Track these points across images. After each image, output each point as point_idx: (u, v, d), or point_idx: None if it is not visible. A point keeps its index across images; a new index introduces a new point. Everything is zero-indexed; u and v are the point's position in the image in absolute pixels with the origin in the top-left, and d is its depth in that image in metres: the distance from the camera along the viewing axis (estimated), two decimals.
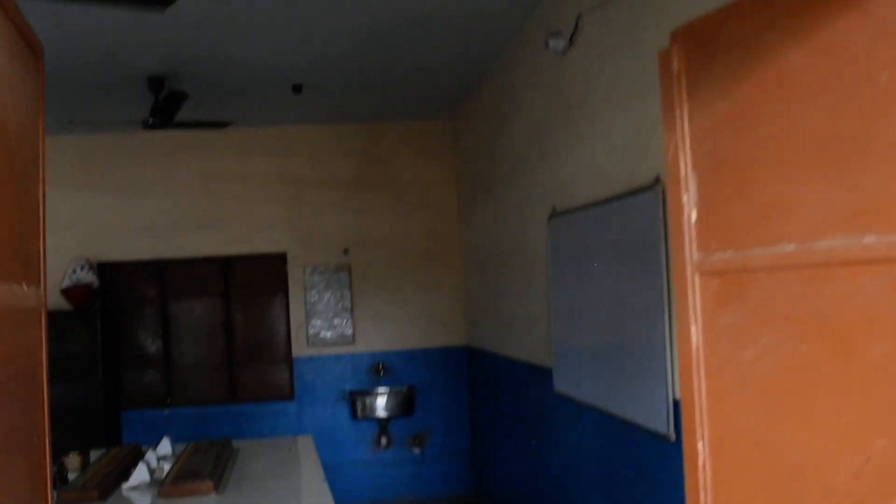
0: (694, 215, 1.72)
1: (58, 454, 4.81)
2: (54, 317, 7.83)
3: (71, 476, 4.35)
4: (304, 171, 8.56)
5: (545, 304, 5.73)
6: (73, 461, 4.65)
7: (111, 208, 8.35)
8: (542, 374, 5.85)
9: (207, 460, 4.37)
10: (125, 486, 4.13)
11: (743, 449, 1.68)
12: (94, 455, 4.92)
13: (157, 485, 3.94)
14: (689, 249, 1.74)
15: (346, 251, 8.56)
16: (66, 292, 7.92)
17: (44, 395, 1.64)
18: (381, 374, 8.53)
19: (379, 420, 8.46)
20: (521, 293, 6.44)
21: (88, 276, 8.04)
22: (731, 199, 1.66)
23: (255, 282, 8.64)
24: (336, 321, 8.52)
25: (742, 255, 1.60)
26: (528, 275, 6.19)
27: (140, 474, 4.17)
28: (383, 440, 8.46)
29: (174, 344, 8.55)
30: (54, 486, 4.16)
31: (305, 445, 5.16)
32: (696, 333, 1.73)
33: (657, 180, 3.88)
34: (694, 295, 1.73)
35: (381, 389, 8.46)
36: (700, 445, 1.79)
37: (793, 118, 1.55)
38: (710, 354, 1.72)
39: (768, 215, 1.59)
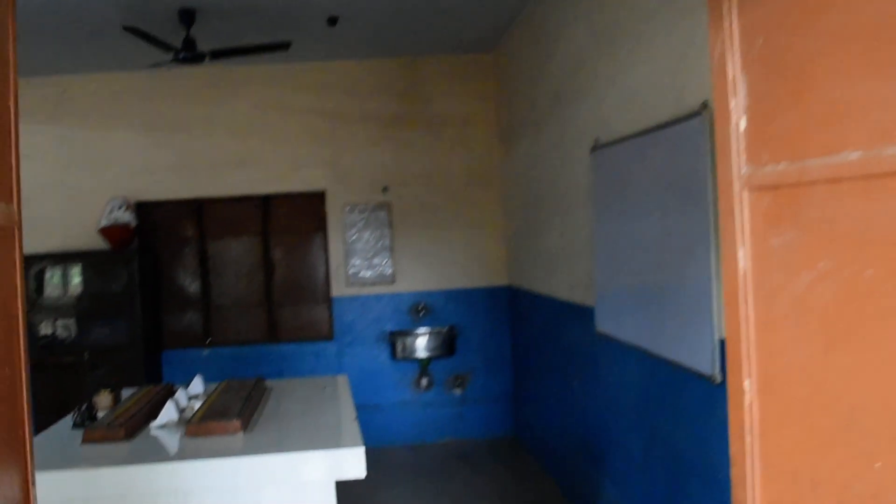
0: (743, 123, 1.51)
1: (91, 392, 4.75)
2: (93, 256, 7.84)
3: (101, 415, 4.27)
4: (342, 107, 8.37)
5: (587, 240, 5.53)
6: (103, 399, 4.58)
7: (149, 147, 8.25)
8: (583, 314, 5.67)
9: (237, 399, 4.27)
10: (153, 424, 4.05)
11: (795, 388, 1.47)
12: (127, 394, 4.84)
13: (186, 424, 3.84)
14: (737, 162, 1.53)
15: (385, 189, 8.40)
16: (105, 231, 7.87)
17: (18, 323, 1.50)
18: (422, 314, 8.40)
19: (419, 361, 8.35)
20: (562, 230, 6.24)
21: (126, 216, 7.97)
22: (785, 103, 1.45)
23: (294, 220, 8.53)
24: (376, 260, 8.39)
25: (797, 166, 1.38)
26: (570, 211, 5.98)
27: (168, 413, 4.08)
28: (424, 381, 8.37)
29: (213, 283, 8.49)
30: (82, 425, 4.10)
31: (340, 385, 5.04)
32: (743, 258, 1.52)
33: (704, 106, 3.64)
34: (742, 214, 1.53)
35: (422, 330, 8.34)
36: (746, 384, 1.59)
37: (858, 8, 1.32)
38: (759, 281, 1.52)
39: (828, 120, 1.37)
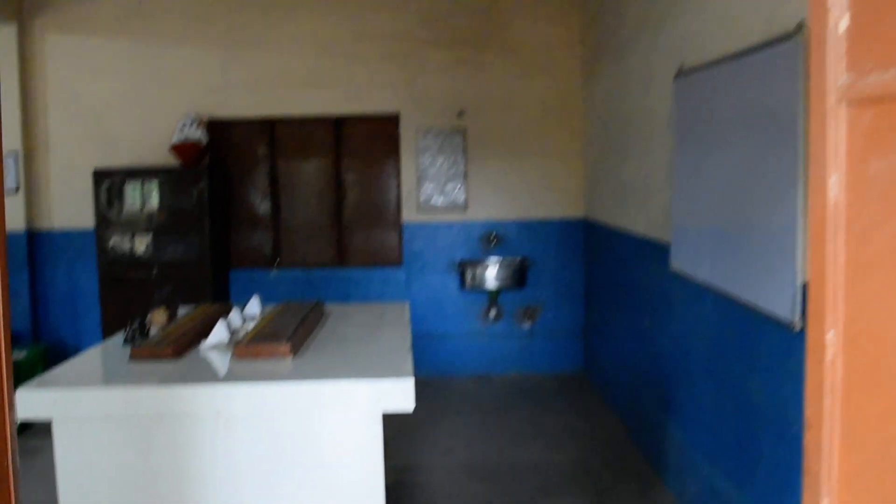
0: (844, 22, 1.24)
1: (149, 309, 4.68)
2: (163, 173, 7.79)
3: (154, 332, 4.19)
4: (419, 29, 8.10)
5: (666, 174, 5.23)
6: (158, 316, 4.50)
7: (223, 64, 8.12)
8: (659, 250, 5.39)
9: (291, 322, 4.14)
10: (203, 344, 3.94)
11: (888, 344, 1.22)
12: (184, 312, 4.76)
13: (235, 345, 3.73)
14: (834, 70, 1.26)
15: (461, 113, 8.15)
16: (176, 149, 7.81)
17: None
18: (494, 243, 8.20)
19: (489, 292, 8.17)
20: (642, 162, 5.94)
21: (197, 133, 7.88)
22: None
23: (367, 143, 8.36)
24: (448, 187, 8.18)
25: None
26: (651, 143, 5.67)
27: (219, 333, 3.97)
28: (493, 312, 8.19)
29: (283, 204, 8.40)
30: (132, 341, 4.02)
31: (400, 313, 4.89)
32: (835, 186, 1.26)
33: (799, 28, 3.30)
34: (836, 134, 1.27)
35: (493, 260, 8.14)
36: (830, 336, 1.34)
37: None
38: (852, 215, 1.26)
39: None
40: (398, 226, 8.35)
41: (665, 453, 5.39)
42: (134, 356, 3.68)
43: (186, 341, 3.90)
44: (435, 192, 8.19)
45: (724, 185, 4.21)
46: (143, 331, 4.15)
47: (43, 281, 8.25)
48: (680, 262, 4.91)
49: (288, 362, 3.59)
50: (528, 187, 8.24)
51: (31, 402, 3.21)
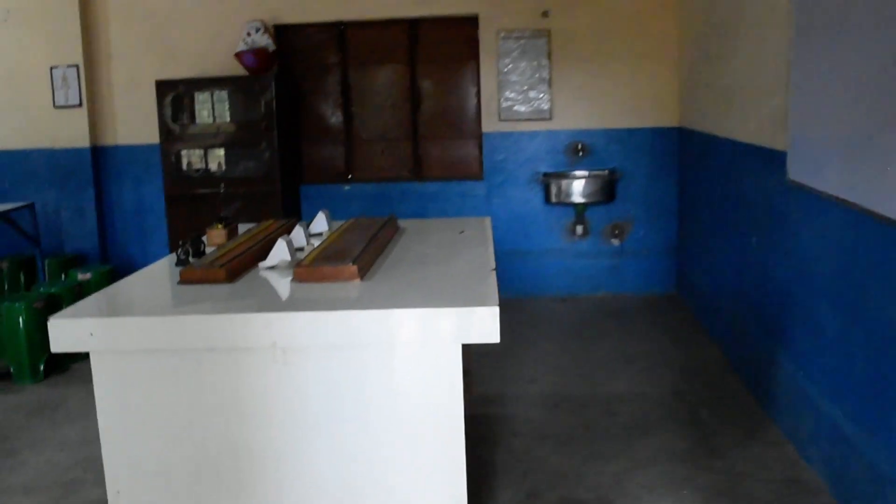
0: None
1: (205, 227, 4.26)
2: (229, 83, 7.35)
3: (209, 252, 3.77)
4: None
5: (781, 71, 4.58)
6: (215, 235, 4.09)
7: None
8: (771, 159, 4.78)
9: (360, 241, 3.69)
10: (262, 265, 3.52)
11: None
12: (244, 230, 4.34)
13: (295, 267, 3.29)
14: None
15: (545, 14, 7.53)
16: (241, 56, 7.37)
17: None
18: (580, 154, 7.65)
19: (575, 206, 7.65)
20: (749, 61, 5.28)
21: (264, 40, 7.44)
22: None
23: (444, 48, 7.84)
24: (531, 94, 7.61)
25: None
26: (761, 38, 5.01)
27: (279, 253, 3.53)
28: (579, 229, 7.67)
29: (356, 115, 7.97)
30: (185, 262, 3.62)
31: (481, 229, 4.40)
32: None
33: None
34: None
35: (580, 172, 7.60)
36: None
37: None
38: None
39: None
40: (478, 136, 7.81)
41: (774, 388, 4.85)
42: (183, 279, 3.27)
43: (242, 262, 3.47)
44: (517, 99, 7.62)
45: (860, 79, 3.58)
46: (198, 250, 3.74)
47: (109, 199, 7.97)
48: (800, 171, 4.30)
49: (355, 286, 3.14)
50: (617, 94, 7.61)
51: (65, 333, 2.82)
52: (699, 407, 5.10)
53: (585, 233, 7.70)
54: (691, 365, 5.85)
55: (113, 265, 7.44)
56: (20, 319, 5.75)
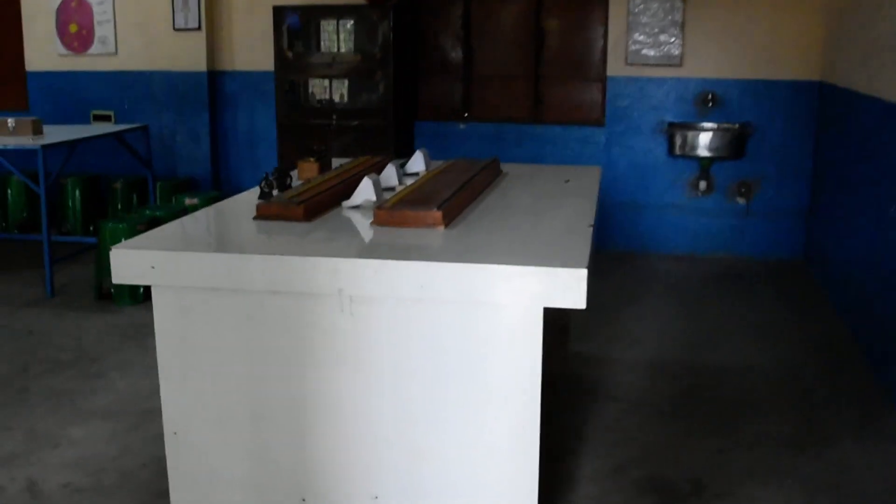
0: None
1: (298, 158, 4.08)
2: (346, 11, 7.14)
3: (295, 186, 3.58)
4: None
5: None
6: (306, 169, 3.91)
7: None
8: None
9: (452, 185, 3.44)
10: (346, 204, 3.32)
11: None
12: (339, 164, 4.15)
13: (377, 209, 3.06)
14: None
15: None
16: None
17: None
18: (710, 105, 7.18)
19: (700, 160, 7.19)
20: None
21: None
22: None
23: None
24: (662, 38, 7.15)
25: None
26: None
27: (364, 192, 3.31)
28: (703, 185, 7.23)
29: (476, 51, 7.67)
30: (268, 195, 3.45)
31: (589, 179, 4.09)
32: None
33: None
34: None
35: (708, 124, 7.13)
36: None
37: None
38: None
39: None
40: (602, 80, 7.41)
41: None
42: (259, 214, 3.10)
43: (325, 200, 3.28)
44: (646, 42, 7.16)
45: None
46: (283, 183, 3.56)
47: (223, 125, 7.92)
48: None
49: (438, 234, 2.91)
50: (755, 41, 7.06)
51: (126, 264, 2.69)
52: (815, 387, 4.69)
53: (709, 189, 7.25)
54: (812, 340, 5.42)
55: (222, 191, 7.42)
56: (122, 241, 5.73)
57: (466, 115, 7.68)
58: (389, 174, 3.72)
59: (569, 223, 3.13)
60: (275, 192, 3.48)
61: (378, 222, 3.00)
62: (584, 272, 2.44)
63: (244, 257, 2.63)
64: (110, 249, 2.69)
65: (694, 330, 5.58)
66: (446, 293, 2.52)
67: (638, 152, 7.34)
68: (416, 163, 4.12)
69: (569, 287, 2.45)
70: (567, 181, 4.02)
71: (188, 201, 6.72)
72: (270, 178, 3.51)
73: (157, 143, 7.74)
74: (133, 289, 5.80)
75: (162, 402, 2.80)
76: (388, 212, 3.01)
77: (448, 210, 3.06)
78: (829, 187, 6.55)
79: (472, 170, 3.85)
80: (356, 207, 3.30)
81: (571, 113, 7.54)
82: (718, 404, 4.45)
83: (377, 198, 3.32)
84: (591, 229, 2.99)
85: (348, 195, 3.37)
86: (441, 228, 2.95)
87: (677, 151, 7.14)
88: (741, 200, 7.26)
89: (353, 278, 2.55)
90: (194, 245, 2.81)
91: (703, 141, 7.08)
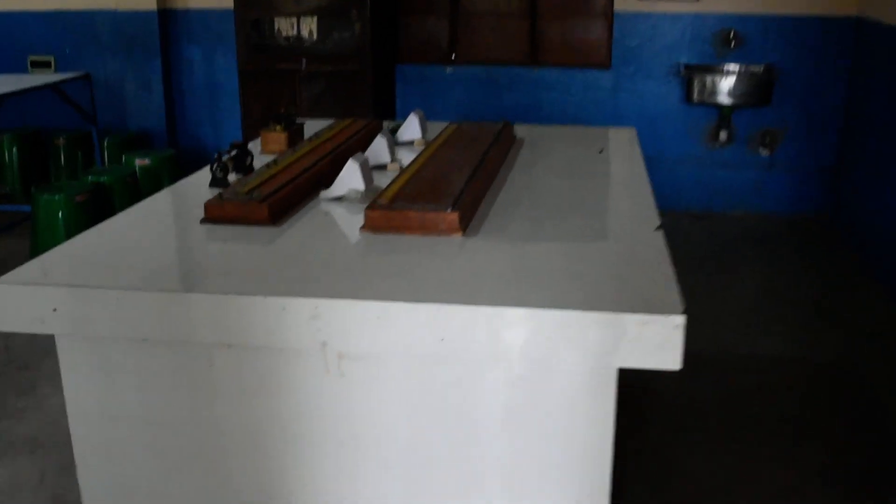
0: None
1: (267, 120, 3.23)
2: None
3: (258, 168, 2.74)
4: None
5: None
6: (272, 139, 3.08)
7: None
8: None
9: (464, 166, 2.62)
10: (324, 194, 2.50)
11: None
12: (314, 130, 3.30)
13: (366, 207, 2.25)
14: None
15: None
16: None
17: None
18: (732, 45, 6.36)
19: (720, 107, 6.41)
20: None
21: None
22: None
23: None
24: None
25: None
26: None
27: (350, 178, 2.49)
28: (722, 134, 6.45)
29: None
30: (222, 182, 2.63)
31: (626, 146, 3.31)
32: None
33: None
34: None
35: (730, 67, 6.36)
36: None
37: None
38: None
39: None
40: (608, 17, 6.53)
41: None
42: (208, 216, 2.28)
43: (296, 191, 2.46)
44: None
45: None
46: (242, 164, 2.73)
47: (178, 72, 6.99)
48: None
49: (454, 248, 2.11)
50: None
51: (16, 306, 1.87)
52: (863, 374, 3.97)
53: (729, 139, 6.46)
54: (842, 299, 4.80)
55: (180, 148, 6.56)
56: (59, 216, 4.88)
57: (454, 57, 6.81)
58: (379, 148, 2.89)
59: (626, 220, 2.37)
60: (231, 177, 2.66)
61: (370, 227, 2.19)
62: (681, 320, 1.65)
63: (183, 297, 1.82)
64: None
65: (721, 307, 4.84)
66: (477, 349, 1.73)
67: (650, 98, 6.53)
68: (411, 128, 3.28)
69: (659, 341, 1.67)
70: (601, 151, 3.22)
71: (139, 162, 5.84)
72: (224, 158, 2.68)
73: (104, 93, 6.82)
74: None
75: (79, 479, 2.02)
76: (385, 213, 2.20)
77: (464, 208, 2.25)
78: (863, 138, 5.81)
79: (483, 140, 3.03)
80: (338, 199, 2.49)
81: (573, 54, 6.68)
82: (774, 415, 3.71)
83: (366, 185, 2.50)
84: (661, 233, 2.21)
85: (327, 181, 2.56)
86: (458, 237, 2.15)
87: (695, 98, 6.33)
88: (764, 152, 6.48)
89: (342, 327, 1.75)
90: (113, 275, 1.98)
91: (725, 86, 6.27)
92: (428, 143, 3.11)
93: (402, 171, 2.62)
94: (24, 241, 5.62)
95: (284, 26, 6.27)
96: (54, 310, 1.83)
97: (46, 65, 6.93)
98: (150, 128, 6.88)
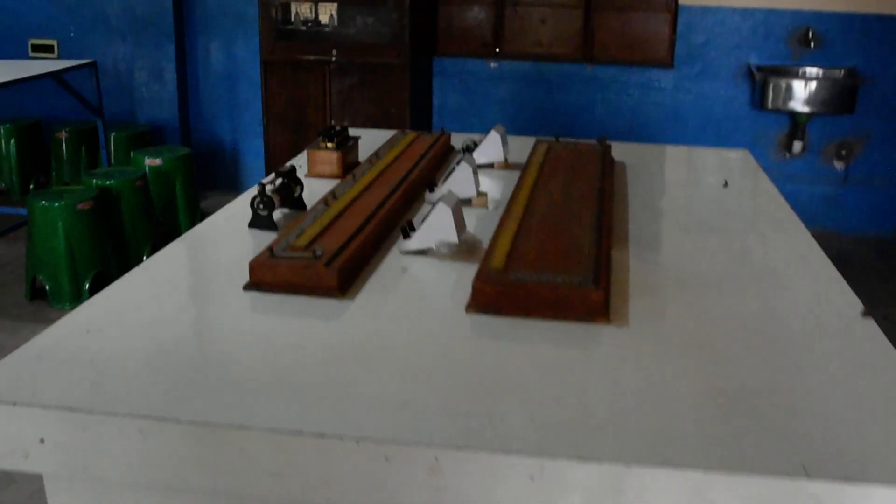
0: None
1: (320, 133, 2.61)
2: None
3: (311, 207, 2.13)
4: None
5: None
6: (322, 160, 2.45)
7: None
8: None
9: (580, 208, 2.01)
10: (403, 247, 1.89)
11: None
12: (370, 143, 2.68)
13: (473, 281, 1.63)
14: None
15: None
16: None
17: None
18: (810, 45, 5.73)
19: (794, 114, 5.81)
20: None
21: None
22: None
23: None
24: None
25: None
26: None
27: (439, 227, 1.88)
28: (796, 145, 5.85)
29: None
30: (266, 223, 2.03)
31: (747, 172, 2.71)
32: None
33: None
34: None
35: (808, 70, 5.72)
36: None
37: None
38: None
39: None
40: (671, 10, 5.90)
41: None
42: (253, 281, 1.67)
43: (366, 243, 1.85)
44: None
45: None
46: (289, 197, 2.12)
47: (194, 61, 6.37)
48: None
49: (606, 344, 1.51)
50: None
51: None
52: None
53: (803, 149, 5.85)
54: None
55: (194, 145, 5.96)
56: (59, 226, 4.26)
57: (498, 49, 6.19)
58: (463, 179, 2.27)
59: (815, 304, 1.74)
60: (276, 214, 2.05)
61: (479, 305, 1.58)
62: None
63: (229, 434, 1.21)
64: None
65: None
66: None
67: (715, 101, 5.93)
68: (491, 148, 2.66)
69: None
70: (725, 185, 2.60)
71: (149, 162, 5.23)
72: (269, 191, 2.07)
73: (112, 81, 6.20)
74: (76, 285, 4.35)
75: None
76: (501, 288, 1.59)
77: (606, 280, 1.65)
78: None
79: (587, 168, 2.42)
80: (421, 252, 1.88)
81: (631, 50, 6.05)
82: None
83: (458, 237, 1.89)
84: (873, 323, 1.61)
85: (398, 220, 1.95)
86: (605, 324, 1.55)
87: (768, 103, 5.70)
88: (839, 164, 5.87)
89: (470, 490, 1.15)
90: (126, 389, 1.35)
91: (800, 90, 5.65)
92: (509, 165, 2.52)
93: (503, 221, 1.99)
94: (20, 246, 5.02)
95: (314, 12, 5.65)
96: (41, 441, 1.23)
97: (49, 49, 6.31)
98: (162, 121, 6.26)
